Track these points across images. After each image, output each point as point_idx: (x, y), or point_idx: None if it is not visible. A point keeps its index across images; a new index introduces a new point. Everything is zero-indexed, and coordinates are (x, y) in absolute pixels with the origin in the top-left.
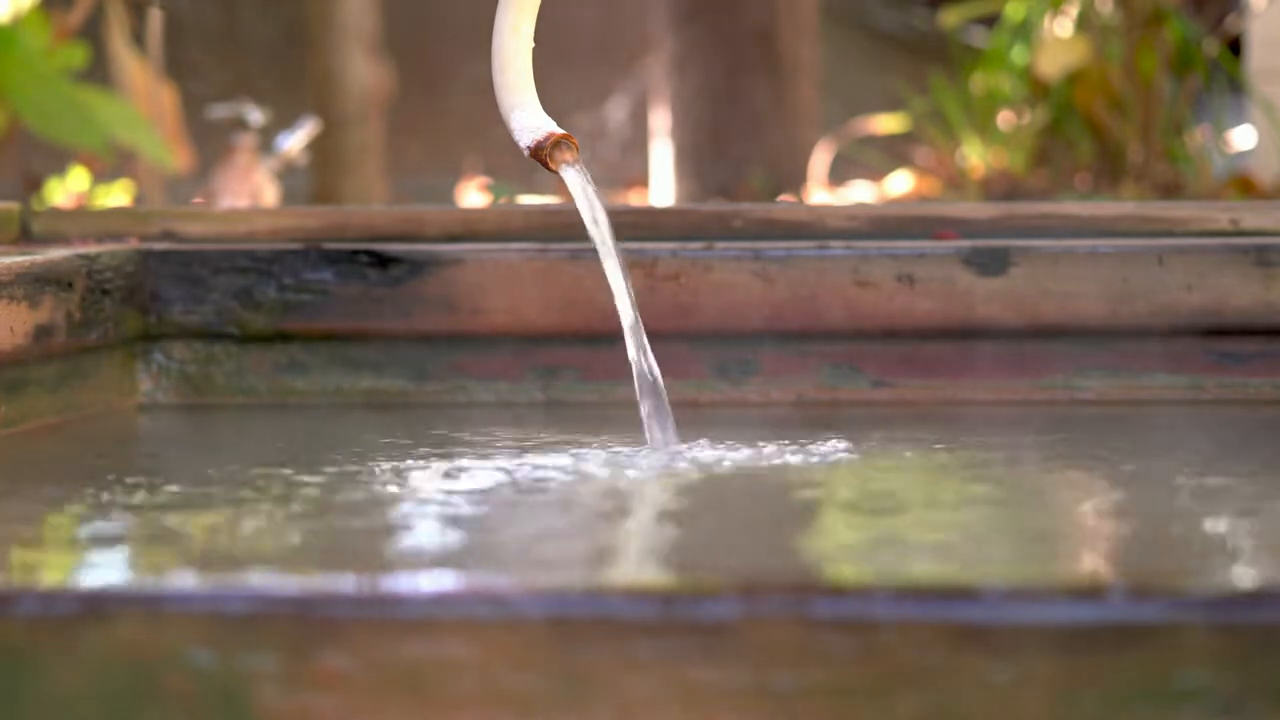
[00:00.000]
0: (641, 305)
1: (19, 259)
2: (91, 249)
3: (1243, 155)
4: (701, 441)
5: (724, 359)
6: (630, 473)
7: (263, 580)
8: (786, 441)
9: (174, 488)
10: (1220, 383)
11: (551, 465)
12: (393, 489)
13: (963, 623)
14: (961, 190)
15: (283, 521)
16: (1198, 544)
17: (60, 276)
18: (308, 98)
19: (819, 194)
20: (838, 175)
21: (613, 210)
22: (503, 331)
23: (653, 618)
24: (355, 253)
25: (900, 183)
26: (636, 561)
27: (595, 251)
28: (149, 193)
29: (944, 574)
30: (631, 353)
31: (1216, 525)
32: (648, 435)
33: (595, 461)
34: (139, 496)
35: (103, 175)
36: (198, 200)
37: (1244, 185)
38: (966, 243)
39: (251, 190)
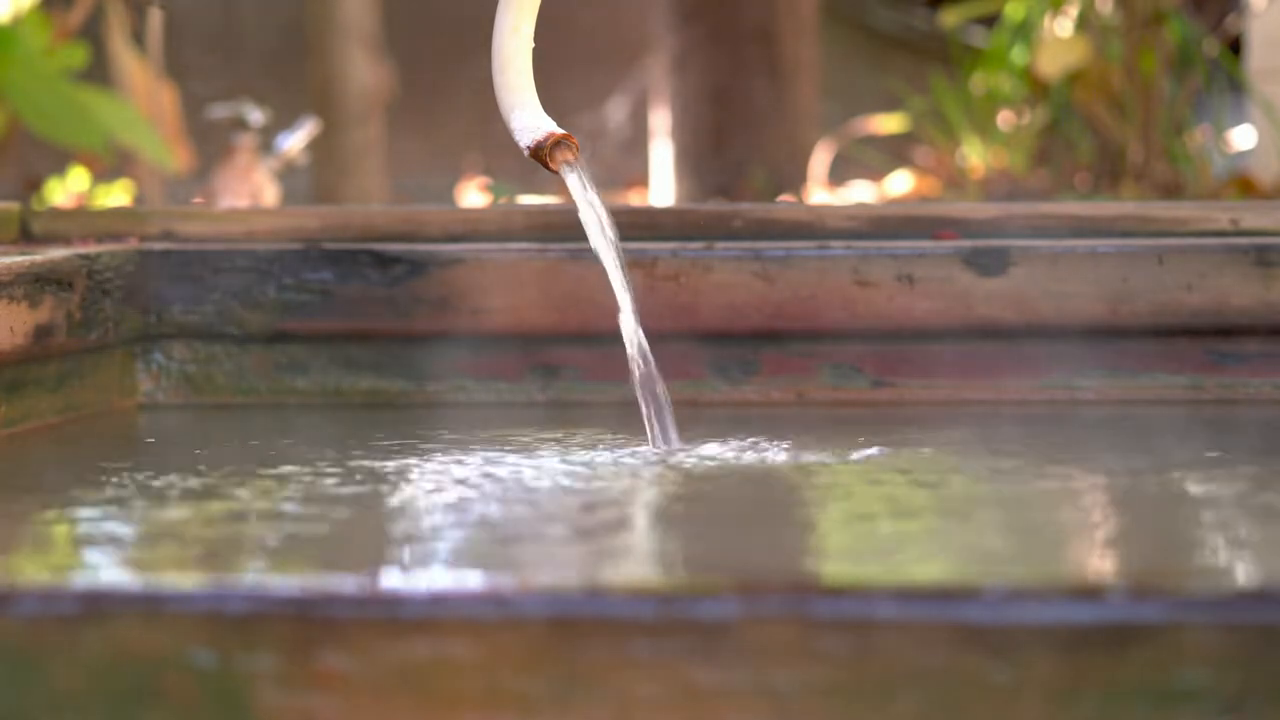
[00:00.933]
0: (641, 305)
1: (19, 259)
2: (91, 249)
3: (1243, 155)
4: (701, 441)
5: (724, 359)
6: (630, 472)
7: (263, 580)
8: (786, 441)
9: (174, 488)
10: (1220, 383)
11: (551, 465)
12: (392, 489)
13: (963, 623)
14: (961, 190)
15: (283, 521)
16: (1197, 544)
17: (60, 276)
18: (308, 98)
19: (819, 194)
20: (838, 175)
21: (613, 210)
22: (503, 331)
23: (652, 618)
24: (355, 253)
25: (900, 183)
26: (636, 561)
27: (595, 251)
28: (149, 193)
29: (944, 574)
30: (631, 353)
31: (1216, 525)
32: (648, 435)
33: (595, 461)
34: (139, 496)
35: (103, 175)
36: (198, 200)
37: (1244, 185)
38: (966, 243)
39: (251, 190)
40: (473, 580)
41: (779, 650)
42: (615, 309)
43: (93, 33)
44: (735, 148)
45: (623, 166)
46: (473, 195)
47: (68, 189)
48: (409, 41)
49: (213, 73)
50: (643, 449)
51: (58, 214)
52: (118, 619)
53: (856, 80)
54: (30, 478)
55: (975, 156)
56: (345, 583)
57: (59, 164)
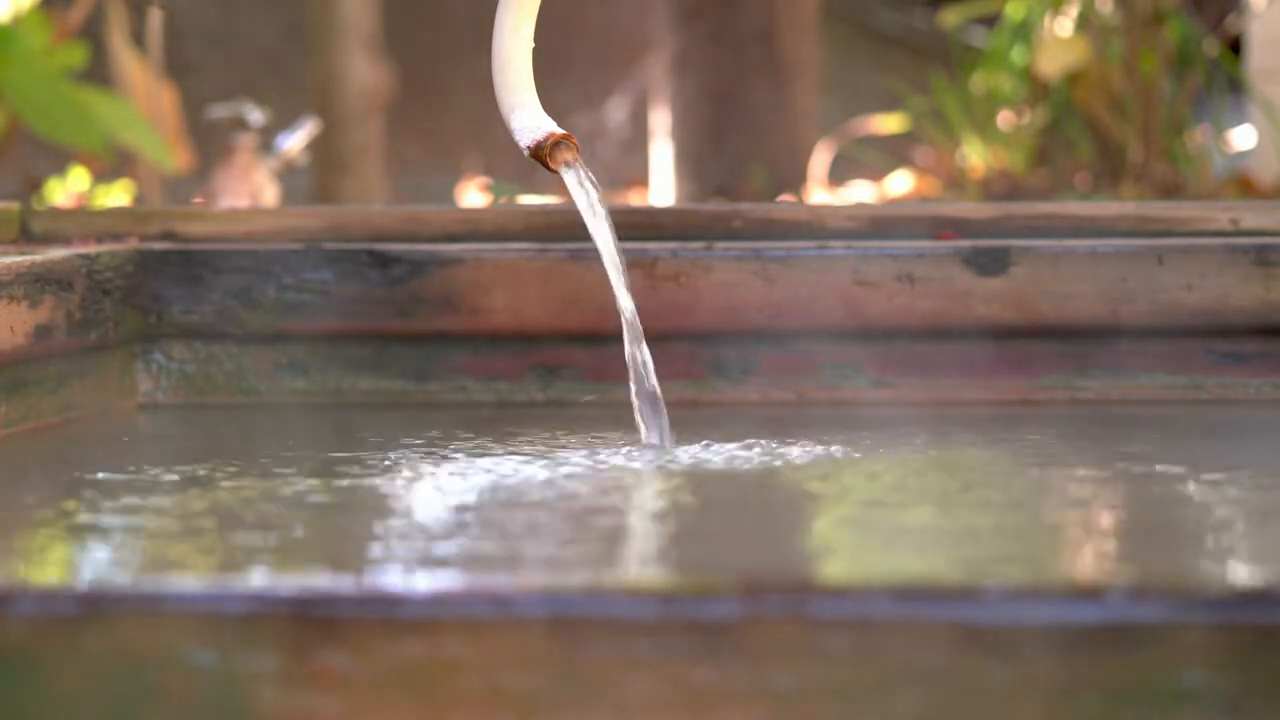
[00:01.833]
0: (641, 305)
1: (19, 259)
2: (91, 249)
3: (1243, 155)
4: (701, 441)
5: (724, 359)
6: (630, 472)
7: (263, 580)
8: (786, 441)
9: (174, 488)
10: (1220, 383)
11: (551, 465)
12: (392, 488)
13: (963, 623)
14: (961, 190)
15: (283, 521)
16: (1198, 544)
17: (60, 276)
18: (308, 98)
19: (819, 194)
20: (838, 175)
21: (613, 210)
22: (503, 331)
23: (653, 618)
24: (355, 253)
25: (900, 183)
26: (637, 561)
27: (595, 251)
28: (149, 193)
29: (944, 574)
30: (629, 353)
31: (1216, 525)
32: (646, 435)
33: (595, 461)
34: (139, 496)
35: (103, 175)
36: (198, 200)
37: (1244, 185)
38: (966, 243)
39: (251, 190)
40: (472, 580)
41: (779, 650)
42: (615, 309)
43: (93, 33)
44: (735, 148)
45: (623, 166)
46: (473, 195)
47: (68, 189)
48: (409, 41)
49: (213, 73)
50: (643, 449)
51: (58, 214)
52: (118, 619)
53: (856, 80)
54: (30, 478)
55: (975, 156)
56: (345, 583)
57: (59, 164)
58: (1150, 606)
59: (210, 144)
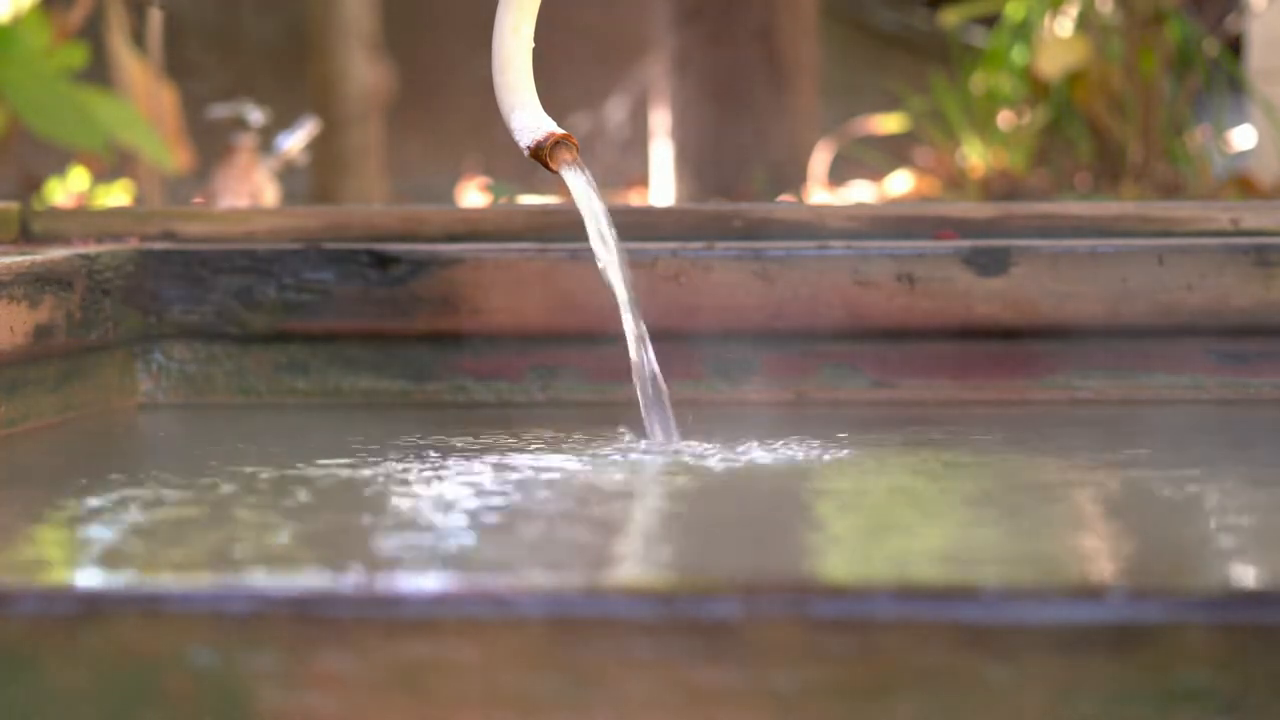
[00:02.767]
0: (642, 305)
1: (19, 259)
2: (91, 249)
3: (1243, 155)
4: (702, 441)
5: (724, 359)
6: (630, 472)
7: (263, 580)
8: (786, 441)
9: (174, 488)
10: (1220, 383)
11: (551, 465)
12: (392, 488)
13: (963, 623)
14: (961, 190)
15: (283, 521)
16: (1198, 544)
17: (60, 276)
18: (308, 98)
19: (819, 194)
20: (838, 175)
21: (613, 210)
22: (503, 331)
23: (653, 618)
24: (355, 253)
25: (900, 183)
26: (637, 561)
27: (595, 251)
28: (149, 193)
29: (944, 574)
30: (632, 353)
31: (1216, 525)
32: (648, 435)
33: (595, 461)
34: (139, 496)
35: (103, 175)
36: (198, 200)
37: (1244, 185)
38: (966, 243)
39: (251, 190)
40: (473, 580)
41: (780, 650)
42: (615, 309)
43: (93, 33)
44: (735, 148)
45: (623, 166)
46: (473, 195)
47: (68, 189)
48: (409, 41)
49: (213, 73)
50: (643, 449)
51: (58, 214)
52: (118, 619)
53: (856, 80)
54: (30, 478)
55: (975, 156)
56: (345, 583)
57: (59, 164)
58: (1150, 606)
59: (210, 144)
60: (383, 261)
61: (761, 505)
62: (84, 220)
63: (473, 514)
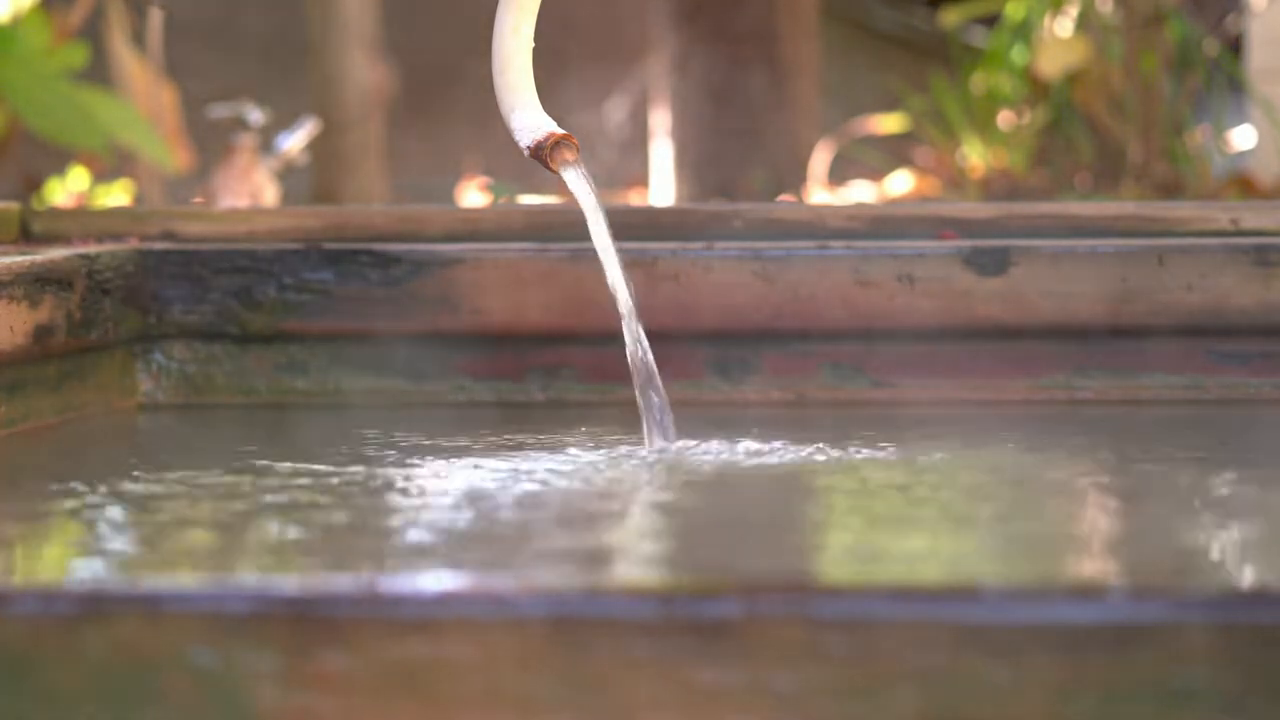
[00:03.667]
0: (641, 305)
1: (19, 259)
2: (91, 249)
3: (1243, 155)
4: (701, 441)
5: (724, 359)
6: (630, 472)
7: (263, 580)
8: (786, 441)
9: (174, 487)
10: (1220, 383)
11: (551, 465)
12: (392, 488)
13: (963, 623)
14: (961, 190)
15: (283, 521)
16: (1198, 544)
17: (60, 276)
18: (308, 98)
19: (819, 194)
20: (838, 175)
21: (613, 210)
22: (503, 331)
23: (653, 618)
24: (355, 253)
25: (900, 183)
26: (637, 561)
27: (595, 251)
28: (149, 193)
29: (944, 574)
30: (630, 352)
31: (1216, 525)
32: (647, 435)
33: (595, 461)
34: (139, 496)
35: (103, 175)
36: (198, 200)
37: (1244, 185)
38: (966, 243)
39: (251, 190)
40: (473, 580)
41: (779, 650)
42: (615, 309)
43: (93, 33)
44: (735, 147)
45: (623, 166)
46: (473, 195)
47: (68, 189)
48: (409, 41)
49: (213, 73)
50: (643, 449)
51: (58, 214)
52: (118, 619)
53: (856, 80)
54: (30, 478)
55: (975, 156)
56: (345, 583)
57: (59, 164)
58: (1150, 606)
59: (210, 144)
60: (383, 261)
61: (761, 505)
62: (84, 220)
63: (473, 514)
